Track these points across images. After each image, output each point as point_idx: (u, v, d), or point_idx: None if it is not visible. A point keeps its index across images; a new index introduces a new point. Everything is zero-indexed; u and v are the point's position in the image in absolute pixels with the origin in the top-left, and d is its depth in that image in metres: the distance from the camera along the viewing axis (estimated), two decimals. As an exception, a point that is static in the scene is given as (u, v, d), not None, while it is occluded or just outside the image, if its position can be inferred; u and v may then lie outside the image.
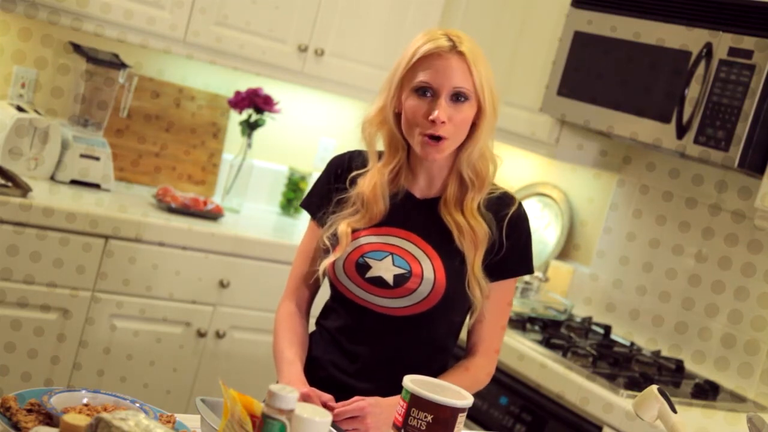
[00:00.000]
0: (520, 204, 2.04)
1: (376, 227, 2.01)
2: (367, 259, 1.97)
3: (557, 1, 3.41)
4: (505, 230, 1.99)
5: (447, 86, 1.92)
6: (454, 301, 1.97)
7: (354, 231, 2.00)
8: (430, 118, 1.91)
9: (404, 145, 2.02)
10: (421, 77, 1.93)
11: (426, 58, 1.93)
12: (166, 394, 3.27)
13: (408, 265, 1.96)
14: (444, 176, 2.03)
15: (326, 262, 2.00)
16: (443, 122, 1.91)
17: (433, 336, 2.02)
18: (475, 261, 1.97)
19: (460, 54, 1.93)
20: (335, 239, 2.00)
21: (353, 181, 2.04)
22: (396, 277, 1.96)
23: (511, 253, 2.00)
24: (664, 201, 3.37)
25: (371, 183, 2.01)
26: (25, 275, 2.97)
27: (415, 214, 2.02)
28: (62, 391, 1.61)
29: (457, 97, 1.93)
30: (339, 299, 2.04)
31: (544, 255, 3.68)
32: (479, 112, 1.97)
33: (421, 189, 2.05)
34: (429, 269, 1.96)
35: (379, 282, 1.96)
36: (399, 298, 1.96)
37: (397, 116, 1.99)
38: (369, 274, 1.97)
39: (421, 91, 1.94)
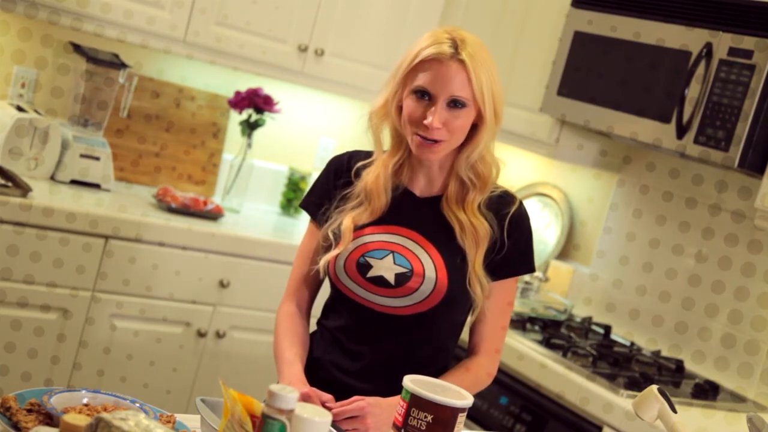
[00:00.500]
0: (521, 203, 2.04)
1: (377, 225, 2.01)
2: (368, 259, 1.97)
3: (557, 1, 3.41)
4: (506, 229, 2.00)
5: (444, 93, 1.92)
6: (456, 299, 1.97)
7: (356, 228, 2.00)
8: (425, 123, 1.92)
9: (407, 139, 2.02)
10: (420, 81, 1.93)
11: (426, 62, 1.93)
12: (166, 394, 3.27)
13: (409, 264, 1.96)
14: (444, 176, 2.04)
15: (328, 257, 2.00)
16: (438, 128, 1.91)
17: (435, 336, 2.02)
18: (476, 259, 1.97)
19: (461, 62, 1.92)
20: (339, 233, 2.00)
21: (358, 174, 2.05)
22: (397, 276, 1.96)
23: (512, 251, 2.00)
24: (664, 201, 3.37)
25: (375, 174, 2.02)
26: (25, 275, 2.97)
27: (415, 212, 2.03)
28: (62, 391, 1.61)
29: (455, 103, 1.93)
30: (340, 299, 2.04)
31: (544, 255, 3.68)
32: (480, 116, 1.97)
33: (420, 187, 2.05)
34: (430, 267, 1.96)
35: (380, 281, 1.96)
36: (401, 297, 1.96)
37: (400, 110, 1.99)
38: (370, 274, 1.97)
39: (419, 93, 1.94)
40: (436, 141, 1.93)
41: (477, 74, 1.92)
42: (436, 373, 1.97)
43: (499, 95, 1.98)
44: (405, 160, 2.05)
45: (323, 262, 2.01)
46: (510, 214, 2.01)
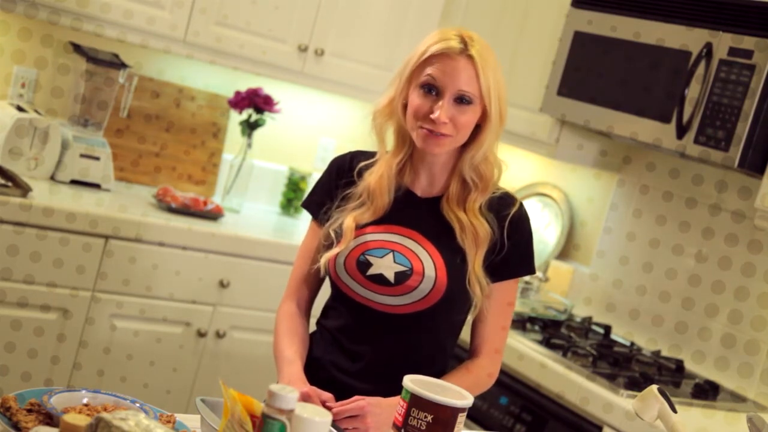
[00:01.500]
0: (521, 204, 2.04)
1: (378, 224, 2.01)
2: (368, 257, 1.98)
3: (557, 1, 3.41)
4: (506, 230, 2.00)
5: (452, 87, 1.93)
6: (455, 299, 1.97)
7: (357, 227, 2.00)
8: (431, 117, 1.92)
9: (411, 138, 2.02)
10: (428, 75, 1.94)
11: (435, 57, 1.94)
12: (166, 394, 3.27)
13: (409, 263, 1.97)
14: (446, 176, 2.04)
15: (328, 255, 2.00)
16: (444, 122, 1.92)
17: (434, 335, 2.02)
18: (476, 259, 1.97)
19: (470, 57, 1.93)
20: (340, 232, 2.01)
21: (360, 174, 2.05)
22: (397, 274, 1.96)
23: (512, 253, 2.00)
24: (664, 201, 3.37)
25: (378, 174, 2.02)
26: (25, 275, 2.97)
27: (416, 212, 2.03)
28: (62, 391, 1.61)
29: (461, 99, 1.93)
30: (339, 298, 2.04)
31: (544, 255, 3.68)
32: (484, 116, 1.97)
33: (422, 187, 2.05)
34: (430, 266, 1.96)
35: (380, 279, 1.96)
36: (400, 296, 1.96)
37: (405, 108, 1.99)
38: (370, 272, 1.97)
39: (427, 87, 1.94)
40: (441, 135, 1.93)
41: (485, 71, 1.93)
42: (436, 373, 1.97)
43: (504, 97, 1.98)
44: (408, 159, 2.05)
45: (324, 260, 2.01)
46: (510, 215, 2.01)
